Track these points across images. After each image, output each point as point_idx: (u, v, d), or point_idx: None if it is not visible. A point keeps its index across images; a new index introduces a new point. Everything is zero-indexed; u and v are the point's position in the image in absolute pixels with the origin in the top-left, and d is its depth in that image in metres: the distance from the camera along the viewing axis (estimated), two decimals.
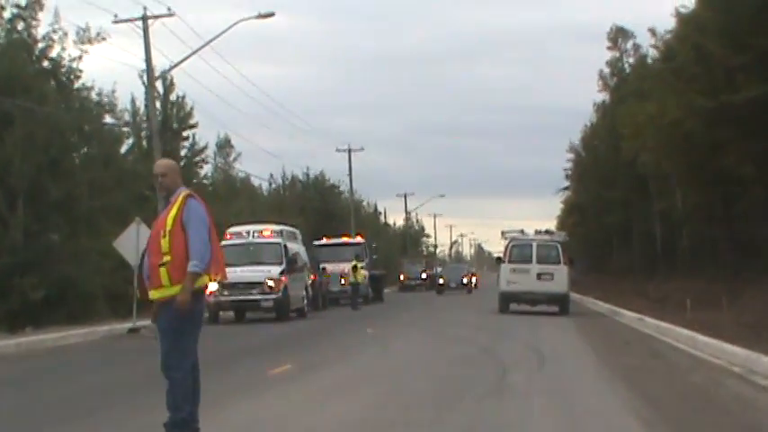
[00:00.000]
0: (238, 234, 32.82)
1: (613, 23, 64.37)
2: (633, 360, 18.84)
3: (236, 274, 31.10)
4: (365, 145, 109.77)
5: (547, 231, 38.18)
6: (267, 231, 32.86)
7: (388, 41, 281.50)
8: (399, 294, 67.38)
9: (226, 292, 30.99)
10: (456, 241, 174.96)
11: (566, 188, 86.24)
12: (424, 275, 75.16)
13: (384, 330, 26.30)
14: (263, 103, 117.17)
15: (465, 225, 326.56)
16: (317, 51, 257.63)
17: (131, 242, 26.47)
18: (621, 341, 23.06)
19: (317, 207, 74.70)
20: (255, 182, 69.15)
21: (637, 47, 63.11)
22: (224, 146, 61.97)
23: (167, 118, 50.53)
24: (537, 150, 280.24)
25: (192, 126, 51.18)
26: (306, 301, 34.30)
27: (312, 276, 38.87)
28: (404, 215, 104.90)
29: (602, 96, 69.43)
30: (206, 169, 52.80)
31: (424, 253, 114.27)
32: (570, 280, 36.26)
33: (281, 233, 33.00)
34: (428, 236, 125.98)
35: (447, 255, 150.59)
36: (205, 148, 51.48)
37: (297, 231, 36.08)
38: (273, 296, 31.05)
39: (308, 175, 78.66)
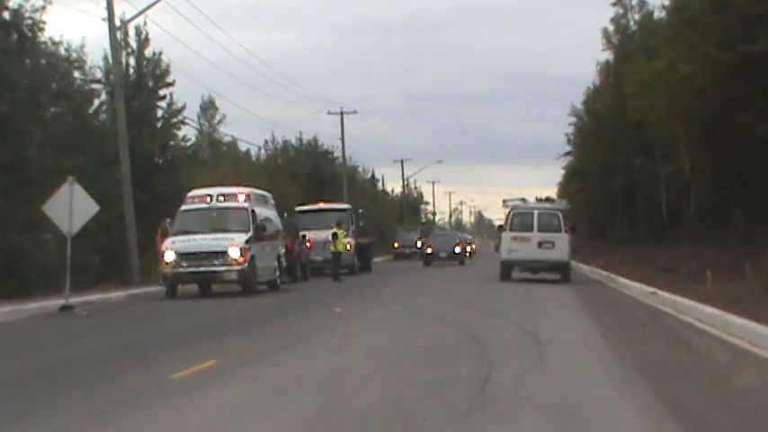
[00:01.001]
0: (200, 198, 28.62)
1: None
2: (654, 350, 14.71)
3: (195, 242, 27.08)
4: (364, 113, 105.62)
5: (547, 199, 37.44)
6: (232, 195, 28.65)
7: (387, 9, 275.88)
8: (392, 264, 63.04)
9: (184, 263, 26.88)
10: (456, 209, 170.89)
11: (567, 153, 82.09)
12: (419, 244, 70.99)
13: (356, 308, 22.23)
14: (259, 70, 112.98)
15: (465, 193, 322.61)
16: (315, 19, 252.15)
17: (64, 206, 22.28)
18: (635, 322, 18.92)
19: (309, 173, 70.57)
20: (243, 147, 65.03)
21: (642, 2, 58.76)
22: (208, 108, 57.86)
23: (142, 76, 46.22)
24: (538, 118, 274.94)
25: (169, 84, 46.77)
26: (278, 273, 30.15)
27: (288, 245, 34.74)
28: (402, 182, 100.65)
29: (606, 56, 65.05)
30: (185, 131, 48.43)
31: (423, 220, 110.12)
32: (572, 248, 35.66)
33: (248, 197, 28.78)
34: (427, 203, 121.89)
35: (447, 222, 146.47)
36: (183, 108, 47.08)
37: (268, 195, 31.86)
38: (237, 267, 26.92)
39: (300, 140, 74.55)
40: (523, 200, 36.16)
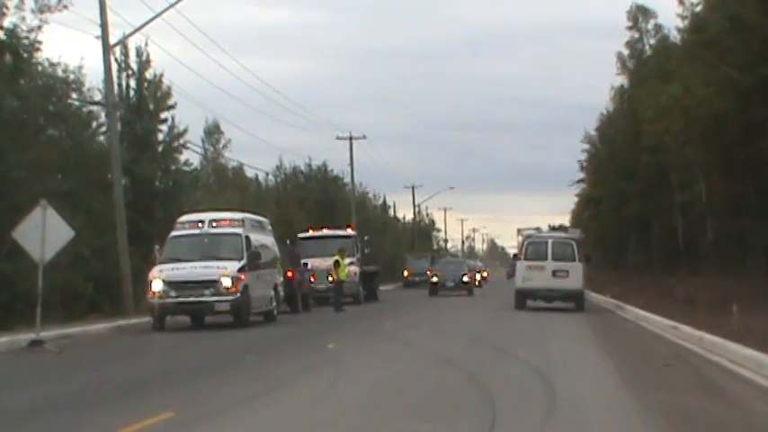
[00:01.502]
0: (191, 223, 26.64)
1: (633, 1, 58.00)
2: (683, 398, 12.67)
3: (185, 270, 25.11)
4: (375, 140, 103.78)
5: (560, 227, 39.10)
6: (225, 220, 26.67)
7: (398, 36, 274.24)
8: (401, 292, 60.66)
9: (173, 293, 24.88)
10: (468, 236, 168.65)
11: (580, 180, 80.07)
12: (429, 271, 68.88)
13: (351, 344, 20.16)
14: (269, 97, 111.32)
15: (477, 220, 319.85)
16: (324, 47, 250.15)
17: (36, 231, 20.25)
18: (657, 361, 16.85)
19: (318, 199, 68.64)
20: (250, 173, 63.16)
21: (658, 27, 56.86)
22: (213, 132, 56.02)
23: (142, 98, 44.44)
24: (551, 146, 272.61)
25: (171, 107, 44.96)
26: (275, 303, 28.11)
27: (289, 273, 32.75)
28: (413, 209, 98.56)
29: (621, 80, 63.08)
30: (187, 155, 46.54)
31: (435, 248, 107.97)
32: (585, 277, 35.47)
33: (242, 222, 26.80)
34: (438, 230, 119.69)
35: (459, 250, 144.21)
36: (185, 131, 45.22)
37: (264, 221, 29.86)
38: (230, 298, 24.90)
39: (310, 166, 72.65)
40: (538, 229, 36.96)
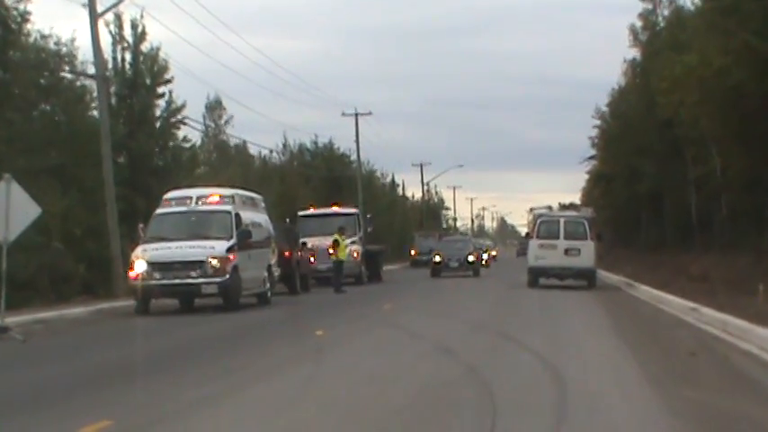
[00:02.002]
0: (178, 200, 24.76)
1: None
2: (714, 396, 10.79)
3: (170, 250, 23.30)
4: (384, 118, 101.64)
5: (571, 205, 40.19)
6: (214, 197, 24.78)
7: (407, 14, 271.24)
8: (407, 272, 58.60)
9: (157, 275, 23.06)
10: (478, 215, 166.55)
11: (591, 157, 77.89)
12: None
13: (343, 330, 18.27)
14: (276, 75, 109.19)
15: (487, 199, 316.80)
16: (333, 25, 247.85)
17: None
18: (680, 349, 14.94)
19: (324, 177, 66.78)
20: (254, 150, 61.27)
21: None
22: (215, 108, 54.09)
23: (138, 72, 42.57)
24: (560, 123, 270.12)
25: (168, 81, 43.10)
26: (268, 285, 26.26)
27: (287, 253, 30.91)
28: (422, 187, 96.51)
29: (633, 53, 60.82)
30: (187, 131, 44.73)
31: (444, 226, 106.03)
32: (597, 255, 35.46)
33: (232, 199, 24.90)
34: (447, 209, 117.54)
35: (469, 229, 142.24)
36: (183, 106, 43.35)
37: (257, 197, 27.93)
38: (218, 279, 23.06)
39: (315, 143, 70.73)
40: (549, 207, 37.71)
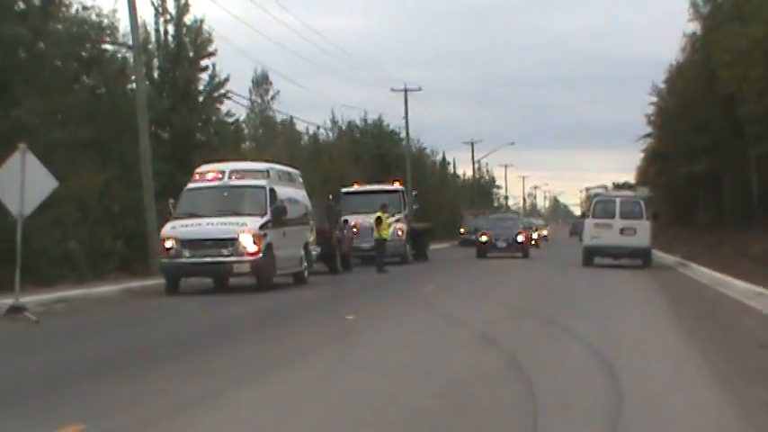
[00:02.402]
0: (210, 174, 23.42)
1: None
2: None
3: (200, 227, 21.99)
4: (435, 97, 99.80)
5: (625, 184, 42.65)
6: (248, 171, 23.40)
7: None
8: (456, 251, 56.74)
9: (187, 253, 21.77)
10: (530, 194, 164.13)
11: (647, 135, 75.58)
12: None
13: (377, 313, 16.81)
14: (328, 52, 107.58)
15: (539, 178, 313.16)
16: (387, 3, 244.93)
17: (14, 180, 17.09)
18: (749, 340, 13.29)
19: (372, 154, 65.33)
20: (301, 127, 59.91)
21: None
22: (261, 82, 52.76)
23: (181, 45, 41.37)
24: (615, 101, 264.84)
25: (211, 54, 41.84)
26: (305, 264, 24.88)
27: (327, 231, 29.55)
28: (472, 165, 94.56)
29: (693, 27, 58.41)
30: (231, 106, 43.48)
31: (496, 205, 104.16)
32: (653, 235, 35.09)
33: (267, 174, 23.51)
34: (499, 188, 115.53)
35: (521, 208, 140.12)
36: (226, 80, 42.06)
37: (295, 172, 26.49)
38: (250, 258, 21.71)
39: (365, 120, 69.27)
40: (605, 188, 37.77)
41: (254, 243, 21.73)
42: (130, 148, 34.02)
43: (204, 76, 42.25)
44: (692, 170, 59.60)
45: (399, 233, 35.18)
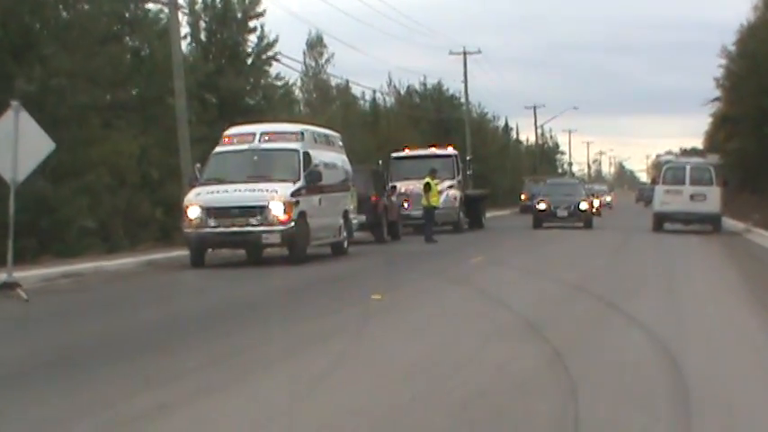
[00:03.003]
0: (240, 137, 21.34)
1: None
2: None
3: (227, 194, 19.97)
4: (498, 63, 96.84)
5: (693, 150, 42.28)
6: (281, 133, 21.27)
7: None
8: (516, 218, 53.91)
9: (212, 222, 19.76)
10: (595, 160, 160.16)
11: (716, 99, 72.09)
12: None
13: (409, 292, 14.59)
14: (387, 16, 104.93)
15: (604, 143, 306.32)
16: None
17: (6, 141, 15.13)
18: None
19: (432, 119, 62.96)
20: (358, 91, 57.70)
21: None
22: (315, 45, 50.58)
23: (228, 5, 39.42)
24: (680, 67, 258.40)
25: (260, 14, 39.81)
26: (344, 233, 22.78)
27: (373, 198, 27.43)
28: (535, 130, 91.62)
29: None
30: (280, 70, 41.44)
31: (560, 171, 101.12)
32: (723, 201, 35.04)
33: (301, 136, 21.36)
34: (563, 153, 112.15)
35: (586, 174, 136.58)
36: (275, 41, 40.01)
37: (334, 135, 24.28)
38: (281, 228, 19.63)
39: (424, 85, 66.81)
40: (674, 154, 40.32)
41: (285, 211, 19.66)
42: (172, 112, 32.23)
43: (252, 37, 40.35)
44: (764, 133, 56.53)
45: (452, 200, 32.87)
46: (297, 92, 49.23)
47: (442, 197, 32.47)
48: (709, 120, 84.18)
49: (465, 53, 59.55)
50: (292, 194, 19.94)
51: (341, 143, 24.06)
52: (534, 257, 21.95)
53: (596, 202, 49.21)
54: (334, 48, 52.72)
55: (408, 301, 13.44)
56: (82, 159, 27.12)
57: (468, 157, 35.12)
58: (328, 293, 14.74)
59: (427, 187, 28.12)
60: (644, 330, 10.59)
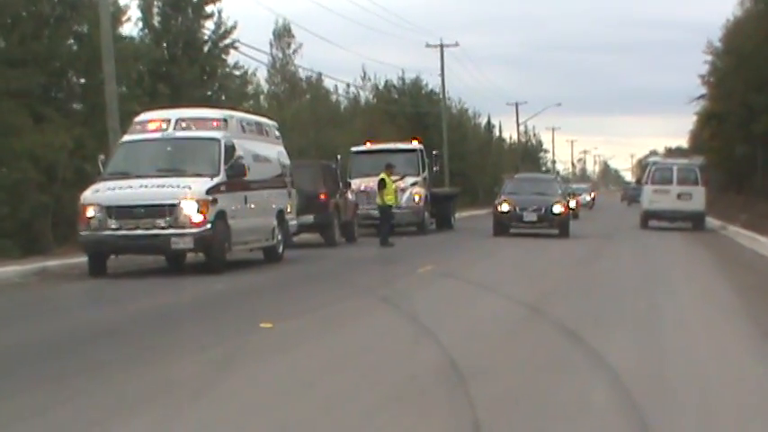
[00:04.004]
0: (152, 124, 17.84)
1: None
2: None
3: (131, 191, 16.53)
4: (483, 62, 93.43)
5: (678, 149, 40.43)
6: (200, 120, 17.79)
7: None
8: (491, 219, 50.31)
9: (113, 224, 16.30)
10: (580, 159, 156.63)
11: (701, 97, 68.95)
12: None
13: (312, 317, 11.11)
14: (379, 15, 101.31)
15: (588, 142, 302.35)
16: None
17: None
18: None
19: (408, 113, 59.60)
20: (331, 84, 54.19)
21: None
22: (283, 35, 47.09)
23: None
24: (664, 67, 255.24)
25: None
26: (279, 236, 19.31)
27: (322, 195, 24.01)
28: (521, 129, 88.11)
29: None
30: (235, 57, 37.95)
31: (544, 170, 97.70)
32: (707, 200, 36.24)
33: (224, 123, 17.86)
34: (546, 151, 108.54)
35: (570, 172, 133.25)
36: (233, 28, 36.59)
37: (268, 124, 20.58)
38: (194, 230, 16.22)
39: (403, 79, 63.43)
40: (659, 154, 34.39)
41: (199, 211, 16.23)
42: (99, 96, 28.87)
43: (210, 24, 36.94)
44: (750, 131, 53.42)
45: (416, 199, 29.39)
46: (264, 84, 45.83)
47: (405, 196, 29.09)
48: (695, 118, 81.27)
49: (442, 45, 56.03)
50: (209, 191, 16.50)
51: (277, 133, 20.51)
52: (493, 267, 18.39)
53: (573, 203, 43.41)
54: (306, 39, 49.17)
55: (305, 332, 9.99)
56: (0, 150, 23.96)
57: (434, 152, 31.45)
58: (213, 318, 11.28)
59: (382, 184, 24.55)
60: (613, 384, 7.23)
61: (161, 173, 16.90)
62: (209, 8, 36.36)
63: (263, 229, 18.56)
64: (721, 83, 61.29)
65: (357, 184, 28.02)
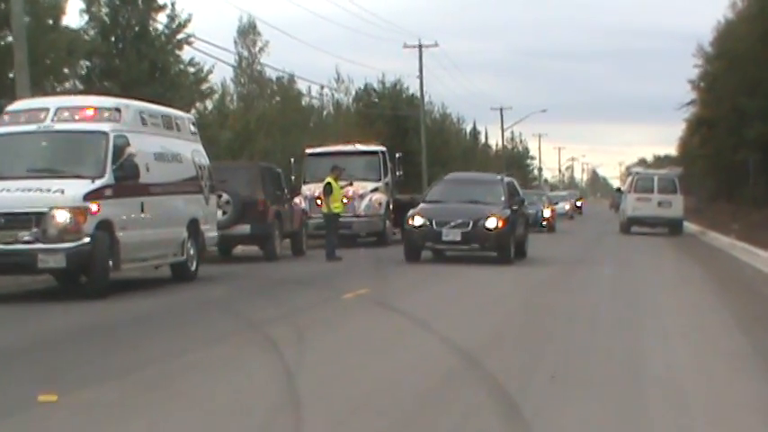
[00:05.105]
0: (29, 115, 14.29)
1: None
2: None
3: None
4: (469, 69, 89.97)
5: (667, 157, 38.91)
6: (85, 109, 14.28)
7: None
8: None
9: None
10: (568, 166, 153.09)
11: (690, 102, 65.69)
12: None
13: (141, 376, 7.45)
14: (364, 18, 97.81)
15: (576, 150, 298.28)
16: None
17: None
18: None
19: (386, 117, 56.12)
20: (304, 86, 50.68)
21: None
22: (248, 33, 43.63)
23: None
24: (652, 75, 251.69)
25: None
26: (191, 251, 15.80)
27: (260, 202, 20.49)
28: (506, 135, 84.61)
29: None
30: (190, 53, 34.49)
31: (530, 177, 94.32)
32: (685, 207, 38.21)
33: (116, 114, 14.29)
34: (533, 158, 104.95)
35: (558, 180, 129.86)
36: (187, 21, 33.17)
37: (183, 117, 16.80)
38: (67, 245, 12.74)
39: (383, 83, 59.90)
40: (644, 162, 38.09)
41: (74, 221, 12.75)
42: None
43: (162, 17, 33.53)
44: (741, 137, 50.21)
45: (377, 206, 25.84)
46: (230, 84, 42.39)
47: (364, 203, 25.63)
48: (684, 126, 78.03)
49: (420, 46, 52.52)
50: (87, 196, 13.00)
51: (193, 128, 16.95)
52: (440, 292, 14.69)
53: (547, 212, 38.66)
54: (274, 37, 45.87)
55: (97, 411, 6.47)
56: None
57: (397, 155, 27.78)
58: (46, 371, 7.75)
59: (328, 189, 20.89)
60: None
61: (32, 174, 13.43)
62: (161, 0, 32.98)
63: (168, 242, 15.04)
64: (712, 87, 58.14)
65: (311, 189, 24.53)
